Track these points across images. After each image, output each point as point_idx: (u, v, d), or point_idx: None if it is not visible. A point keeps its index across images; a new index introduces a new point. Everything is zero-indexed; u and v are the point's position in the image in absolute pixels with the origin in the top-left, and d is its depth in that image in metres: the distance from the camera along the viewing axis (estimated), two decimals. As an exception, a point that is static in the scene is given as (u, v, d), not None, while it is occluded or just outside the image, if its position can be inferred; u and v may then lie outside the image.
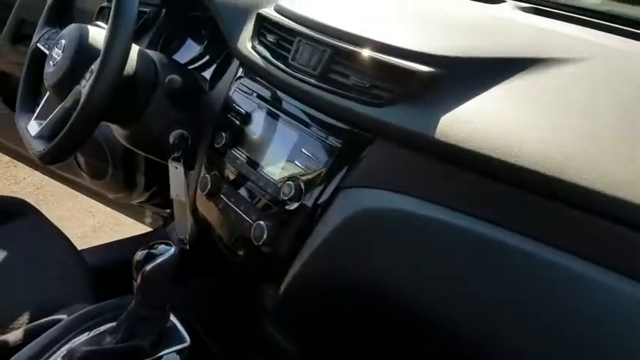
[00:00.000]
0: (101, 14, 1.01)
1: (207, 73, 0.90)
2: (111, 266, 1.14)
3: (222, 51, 0.89)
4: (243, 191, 0.70)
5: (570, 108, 0.51)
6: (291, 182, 0.63)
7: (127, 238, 1.28)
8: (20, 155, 1.67)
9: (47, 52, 0.84)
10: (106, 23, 0.89)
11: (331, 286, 0.61)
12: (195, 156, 0.82)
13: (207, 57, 0.93)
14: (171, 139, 0.81)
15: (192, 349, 0.67)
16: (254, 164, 0.70)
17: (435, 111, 0.54)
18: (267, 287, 0.71)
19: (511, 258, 0.48)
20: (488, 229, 0.49)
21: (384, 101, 0.57)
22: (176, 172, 0.82)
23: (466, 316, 0.51)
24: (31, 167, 1.73)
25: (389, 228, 0.55)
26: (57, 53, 0.77)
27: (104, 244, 1.24)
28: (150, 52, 0.82)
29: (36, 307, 0.79)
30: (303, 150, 0.64)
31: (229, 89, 0.78)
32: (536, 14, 0.77)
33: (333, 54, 0.64)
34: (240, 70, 0.78)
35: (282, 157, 0.66)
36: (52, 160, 0.74)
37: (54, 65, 0.77)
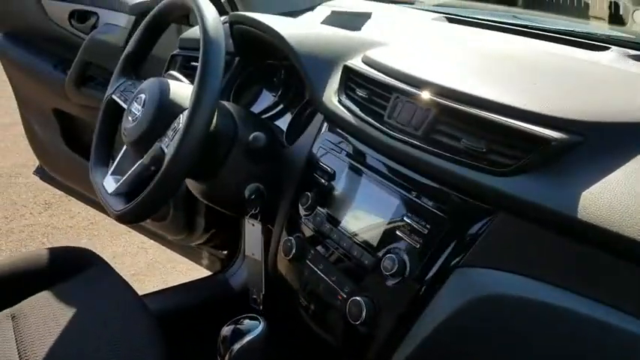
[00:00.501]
0: (173, 62, 1.00)
1: (282, 123, 0.86)
2: (175, 313, 1.12)
3: (297, 100, 0.86)
4: (333, 259, 0.65)
5: None
6: (393, 255, 0.57)
7: (187, 283, 1.25)
8: (72, 190, 1.68)
9: (123, 104, 0.82)
10: (179, 72, 0.88)
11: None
12: (272, 213, 0.77)
13: (281, 106, 0.89)
14: (246, 194, 0.76)
15: None
16: (346, 230, 0.64)
17: (573, 183, 0.47)
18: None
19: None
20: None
21: (507, 170, 0.51)
22: (253, 230, 0.78)
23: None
24: (84, 203, 1.74)
25: (520, 319, 0.48)
26: (136, 108, 0.75)
27: (166, 289, 1.21)
28: (227, 105, 0.79)
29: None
30: (406, 218, 0.58)
31: (313, 145, 0.73)
32: None
33: (439, 113, 0.58)
34: (325, 125, 0.73)
35: (380, 224, 0.60)
36: (134, 219, 0.71)
37: (133, 121, 0.74)
